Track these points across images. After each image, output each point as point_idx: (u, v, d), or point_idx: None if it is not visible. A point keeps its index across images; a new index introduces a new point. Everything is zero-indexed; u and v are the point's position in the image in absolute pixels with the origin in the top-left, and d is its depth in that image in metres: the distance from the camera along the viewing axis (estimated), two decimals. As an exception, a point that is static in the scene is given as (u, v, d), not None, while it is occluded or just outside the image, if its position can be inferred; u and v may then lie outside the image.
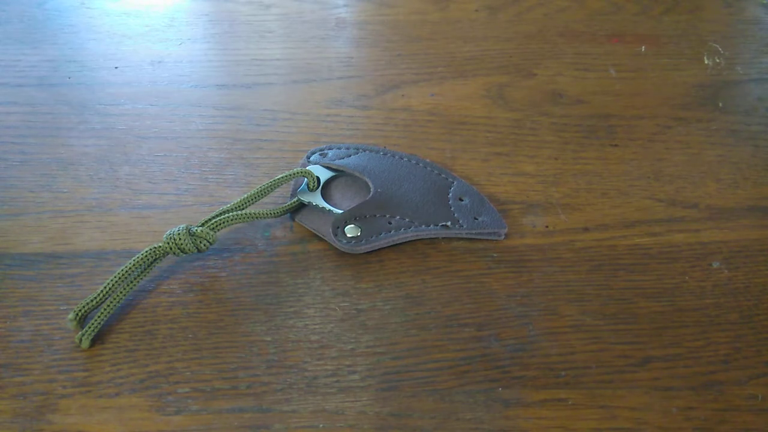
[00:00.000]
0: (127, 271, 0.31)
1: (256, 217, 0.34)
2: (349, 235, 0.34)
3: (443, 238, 0.35)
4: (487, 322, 0.31)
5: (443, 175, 0.38)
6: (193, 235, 0.32)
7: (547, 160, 0.40)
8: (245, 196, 0.35)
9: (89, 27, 0.50)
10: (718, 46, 0.49)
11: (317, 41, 0.49)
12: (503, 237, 0.35)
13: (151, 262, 0.32)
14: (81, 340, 0.30)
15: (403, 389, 0.29)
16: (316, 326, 0.31)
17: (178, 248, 0.32)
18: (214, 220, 0.33)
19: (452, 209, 0.36)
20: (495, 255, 0.34)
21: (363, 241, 0.34)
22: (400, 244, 0.35)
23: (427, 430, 0.28)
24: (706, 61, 0.47)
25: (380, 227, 0.34)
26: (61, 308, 0.32)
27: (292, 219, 0.36)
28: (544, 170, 0.39)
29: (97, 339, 0.31)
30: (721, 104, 0.44)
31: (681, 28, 0.51)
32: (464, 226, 0.35)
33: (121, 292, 0.31)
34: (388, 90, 0.45)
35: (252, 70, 0.46)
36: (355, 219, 0.35)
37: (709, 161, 0.40)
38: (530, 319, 0.32)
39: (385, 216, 0.35)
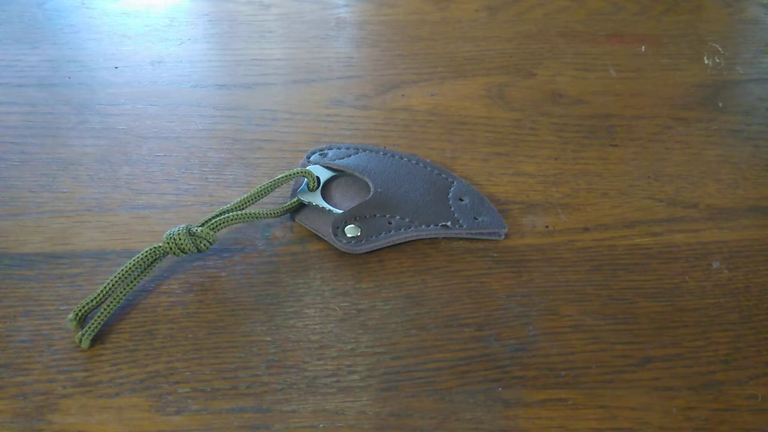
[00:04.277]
0: (127, 271, 0.31)
1: (256, 217, 0.34)
2: (349, 235, 0.34)
3: (443, 238, 0.35)
4: (487, 322, 0.31)
5: (443, 175, 0.38)
6: (193, 235, 0.32)
7: (547, 160, 0.40)
8: (245, 196, 0.35)
9: (89, 27, 0.50)
10: (718, 46, 0.49)
11: (317, 41, 0.49)
12: (503, 237, 0.35)
13: (151, 262, 0.32)
14: (81, 340, 0.30)
15: (403, 389, 0.29)
16: (316, 326, 0.31)
17: (178, 248, 0.32)
18: (214, 220, 0.33)
19: (452, 209, 0.35)
20: (495, 255, 0.34)
21: (363, 241, 0.34)
22: (400, 244, 0.35)
23: (427, 430, 0.28)
24: (706, 61, 0.47)
25: (380, 227, 0.34)
26: (61, 308, 0.32)
27: (292, 219, 0.36)
28: (544, 170, 0.39)
29: (97, 339, 0.31)
30: (721, 104, 0.44)
31: (681, 28, 0.51)
32: (464, 226, 0.35)
33: (121, 292, 0.31)
34: (388, 90, 0.45)
35: (252, 70, 0.46)
36: (355, 219, 0.35)
37: (709, 161, 0.40)
38: (530, 319, 0.32)
39: (385, 216, 0.35)
